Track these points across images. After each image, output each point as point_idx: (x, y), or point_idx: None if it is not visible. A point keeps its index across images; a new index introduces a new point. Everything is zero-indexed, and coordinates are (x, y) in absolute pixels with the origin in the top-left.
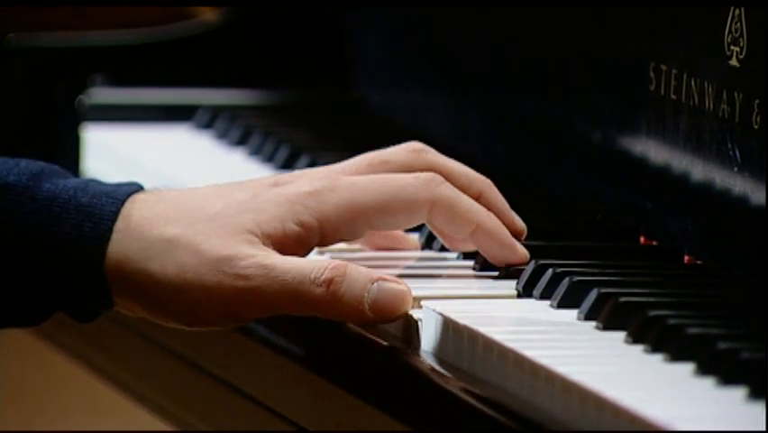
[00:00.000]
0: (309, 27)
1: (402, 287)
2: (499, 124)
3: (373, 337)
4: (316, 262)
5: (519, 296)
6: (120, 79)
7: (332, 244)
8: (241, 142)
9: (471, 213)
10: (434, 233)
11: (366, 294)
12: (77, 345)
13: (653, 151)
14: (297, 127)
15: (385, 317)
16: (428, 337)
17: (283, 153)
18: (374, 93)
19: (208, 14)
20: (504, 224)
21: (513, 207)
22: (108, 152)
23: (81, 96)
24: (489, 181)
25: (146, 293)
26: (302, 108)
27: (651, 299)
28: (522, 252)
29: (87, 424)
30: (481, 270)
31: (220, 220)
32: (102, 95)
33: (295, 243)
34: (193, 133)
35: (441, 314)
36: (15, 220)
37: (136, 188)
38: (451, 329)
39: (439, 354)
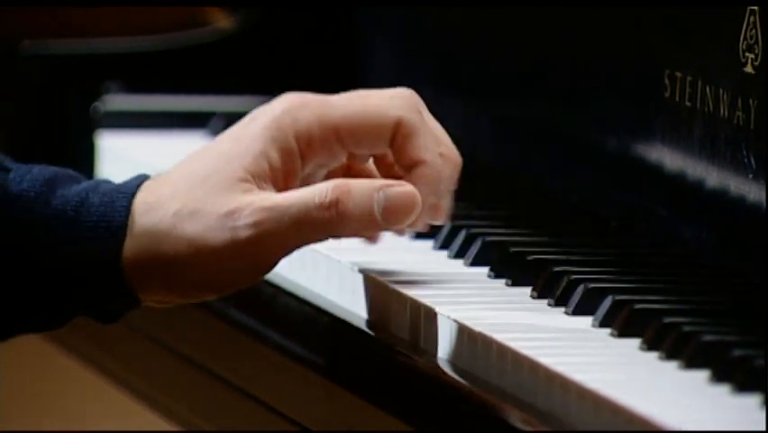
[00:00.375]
0: (322, 34)
1: (408, 188)
2: (513, 130)
3: (385, 341)
4: (316, 188)
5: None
6: (134, 86)
7: (312, 164)
8: None
9: (428, 148)
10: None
11: (375, 205)
12: (90, 351)
13: (668, 157)
14: None
15: (399, 222)
16: (443, 344)
17: None
18: None
19: (222, 21)
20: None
21: (528, 213)
22: (123, 159)
23: (96, 103)
24: (459, 162)
25: (167, 277)
26: None
27: (666, 306)
28: (444, 215)
29: (94, 426)
30: (495, 277)
31: (213, 178)
32: (116, 101)
33: (284, 173)
34: (207, 140)
35: (456, 321)
36: (30, 227)
37: (144, 178)
38: (466, 336)
39: (453, 360)
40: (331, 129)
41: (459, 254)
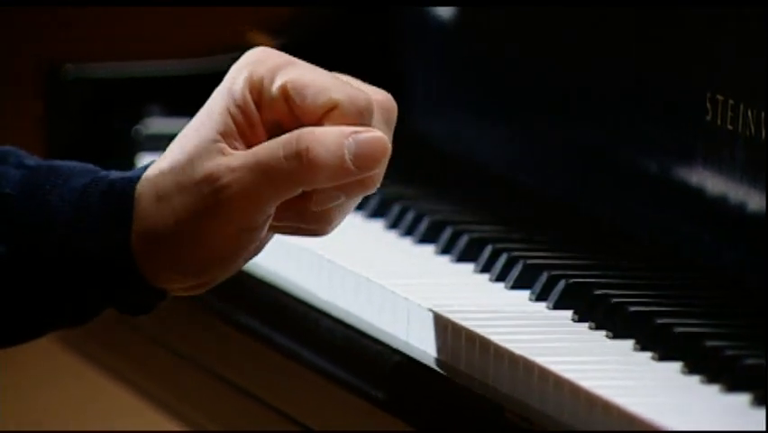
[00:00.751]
0: (364, 57)
1: (377, 133)
2: (556, 154)
3: (422, 361)
4: (283, 138)
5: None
6: (175, 109)
7: (271, 122)
8: None
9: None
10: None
11: (345, 150)
12: (116, 364)
13: (710, 181)
14: None
15: (370, 168)
16: (482, 364)
17: None
18: (430, 123)
19: (265, 45)
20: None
21: (569, 237)
22: None
23: (137, 126)
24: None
25: (170, 256)
26: None
27: (708, 330)
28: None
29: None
30: (537, 300)
31: (190, 147)
32: (157, 124)
33: (248, 127)
34: None
35: (497, 343)
36: (48, 221)
37: (150, 162)
38: (507, 358)
39: (494, 382)
40: (280, 85)
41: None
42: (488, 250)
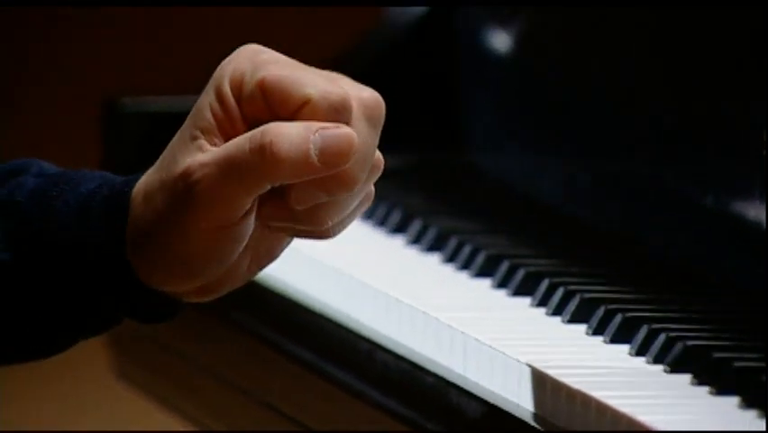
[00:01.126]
0: (423, 91)
1: (344, 128)
2: (612, 188)
3: (479, 395)
4: (249, 134)
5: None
6: None
7: (251, 119)
8: None
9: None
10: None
11: (311, 145)
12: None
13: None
14: (410, 191)
15: (336, 164)
16: (539, 398)
17: (396, 217)
18: (487, 156)
19: None
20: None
21: (626, 270)
22: None
23: None
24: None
25: (162, 259)
26: (415, 172)
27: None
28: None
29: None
30: (593, 334)
31: (175, 143)
32: None
33: (228, 121)
34: None
35: (554, 378)
36: (50, 226)
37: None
38: (564, 393)
39: (551, 417)
40: (257, 80)
41: (562, 313)
42: (544, 284)
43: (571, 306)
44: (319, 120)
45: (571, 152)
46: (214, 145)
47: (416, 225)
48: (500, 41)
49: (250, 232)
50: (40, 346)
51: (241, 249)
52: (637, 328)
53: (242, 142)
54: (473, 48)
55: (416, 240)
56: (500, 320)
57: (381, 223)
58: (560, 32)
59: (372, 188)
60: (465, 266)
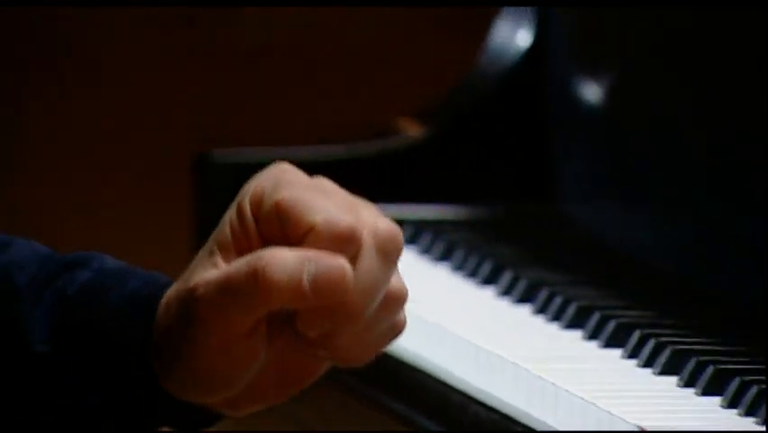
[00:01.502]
0: (512, 142)
1: (339, 261)
2: (706, 240)
3: None
4: (249, 256)
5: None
6: None
7: (265, 223)
8: (444, 257)
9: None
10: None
11: (304, 275)
12: None
13: None
14: (501, 241)
15: (327, 296)
16: None
17: (486, 268)
18: (578, 207)
19: (412, 129)
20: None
21: (717, 322)
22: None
23: None
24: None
25: (180, 372)
26: (505, 222)
27: None
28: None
29: None
30: (685, 386)
31: (197, 256)
32: None
33: (245, 237)
34: None
35: (646, 431)
36: (96, 326)
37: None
38: None
39: None
40: (273, 201)
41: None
42: (635, 336)
43: (662, 358)
44: (322, 248)
45: (662, 204)
46: (229, 261)
47: (506, 277)
48: (592, 90)
49: (260, 351)
50: None
51: (254, 367)
52: (729, 380)
53: (241, 263)
54: (564, 97)
55: (506, 291)
56: (591, 372)
57: (473, 274)
58: (653, 82)
59: (403, 317)
60: (556, 318)
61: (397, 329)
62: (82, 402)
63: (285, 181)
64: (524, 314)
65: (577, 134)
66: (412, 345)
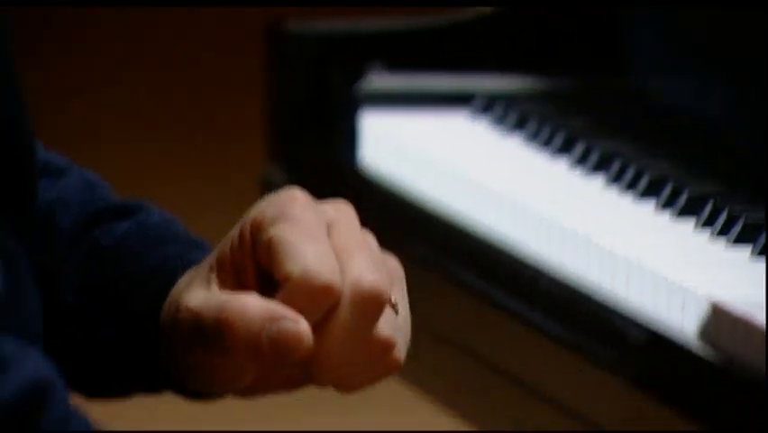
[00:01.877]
0: (585, 13)
1: (300, 326)
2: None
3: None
4: (219, 299)
5: None
6: (397, 65)
7: (259, 251)
8: (517, 127)
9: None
10: None
11: (264, 334)
12: None
13: None
14: (573, 113)
15: (284, 359)
16: (702, 325)
17: (559, 139)
18: (651, 79)
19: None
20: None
21: None
22: (385, 139)
23: (359, 83)
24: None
25: (178, 369)
26: (578, 94)
27: None
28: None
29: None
30: (757, 258)
31: (202, 263)
32: (379, 81)
33: (241, 258)
34: (470, 120)
35: (717, 304)
36: (123, 285)
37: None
38: (727, 319)
39: (714, 343)
40: (268, 236)
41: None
42: (708, 207)
43: (735, 229)
44: (296, 299)
45: (736, 76)
46: (222, 282)
47: (579, 148)
48: None
49: (244, 369)
50: (95, 387)
51: (243, 379)
52: None
53: (211, 307)
54: None
55: (579, 162)
56: (663, 244)
57: (545, 144)
58: None
59: (398, 357)
60: (629, 188)
61: (389, 369)
62: (95, 335)
63: (285, 216)
64: (596, 185)
65: (651, 6)
66: (484, 216)
